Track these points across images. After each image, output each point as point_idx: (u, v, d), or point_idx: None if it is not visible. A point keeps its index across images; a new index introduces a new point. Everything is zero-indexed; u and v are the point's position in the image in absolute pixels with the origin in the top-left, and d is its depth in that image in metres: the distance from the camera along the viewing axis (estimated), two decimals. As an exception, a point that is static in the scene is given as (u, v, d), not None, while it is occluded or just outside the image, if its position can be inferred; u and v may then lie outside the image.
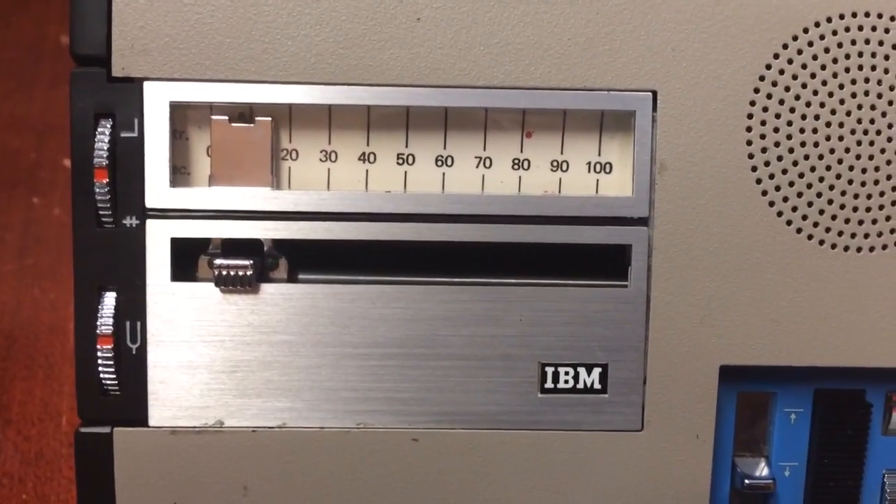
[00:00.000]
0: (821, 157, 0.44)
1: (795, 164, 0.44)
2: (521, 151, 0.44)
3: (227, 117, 0.43)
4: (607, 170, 0.44)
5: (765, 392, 0.47)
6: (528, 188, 0.44)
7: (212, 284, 0.43)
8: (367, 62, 0.43)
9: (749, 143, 0.44)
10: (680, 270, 0.44)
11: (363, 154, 0.44)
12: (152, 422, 0.44)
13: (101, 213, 0.43)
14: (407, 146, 0.44)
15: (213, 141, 0.43)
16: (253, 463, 0.44)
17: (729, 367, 0.45)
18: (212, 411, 0.44)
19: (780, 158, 0.44)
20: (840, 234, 0.44)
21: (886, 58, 0.44)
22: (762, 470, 0.47)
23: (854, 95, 0.44)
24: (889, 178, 0.44)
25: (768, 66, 0.43)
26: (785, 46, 0.43)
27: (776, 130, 0.44)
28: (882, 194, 0.44)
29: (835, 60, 0.44)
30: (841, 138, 0.44)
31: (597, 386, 0.44)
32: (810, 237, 0.44)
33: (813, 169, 0.44)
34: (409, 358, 0.44)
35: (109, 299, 0.43)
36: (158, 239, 0.43)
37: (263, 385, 0.44)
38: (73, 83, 0.42)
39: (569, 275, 0.44)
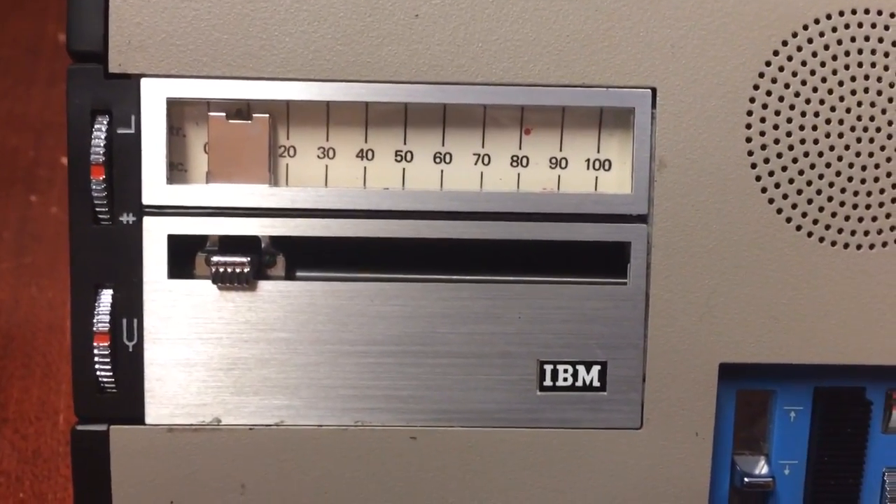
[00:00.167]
0: (820, 154, 0.44)
1: (795, 161, 0.44)
2: (520, 148, 0.44)
3: (224, 114, 0.43)
4: (606, 167, 0.44)
5: (764, 390, 0.46)
6: (526, 185, 0.44)
7: (209, 282, 0.43)
8: (365, 59, 0.42)
9: (748, 140, 0.43)
10: (679, 268, 0.44)
11: (361, 151, 0.44)
12: (149, 420, 0.44)
13: (97, 209, 0.42)
14: (405, 143, 0.44)
15: (211, 138, 0.43)
16: (250, 461, 0.44)
17: (728, 365, 0.45)
18: (209, 409, 0.44)
19: (779, 156, 0.44)
20: (840, 231, 0.44)
21: (886, 55, 0.44)
22: (762, 468, 0.47)
23: (854, 92, 0.44)
24: (889, 175, 0.44)
25: (768, 63, 0.43)
26: (784, 43, 0.43)
27: (776, 127, 0.44)
28: (882, 191, 0.44)
29: (834, 57, 0.43)
30: (840, 135, 0.44)
31: (596, 384, 0.44)
32: (810, 234, 0.44)
33: (812, 166, 0.44)
34: (407, 355, 0.44)
35: (106, 296, 0.43)
36: (155, 236, 0.43)
37: (261, 383, 0.44)
38: (69, 79, 0.42)
39: (568, 272, 0.44)
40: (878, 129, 0.44)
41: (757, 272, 0.44)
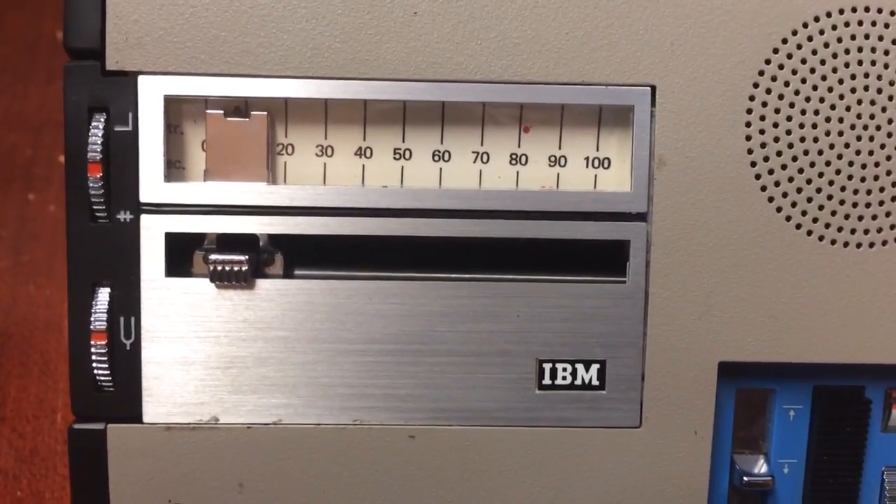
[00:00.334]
0: (820, 152, 0.44)
1: (795, 159, 0.44)
2: (519, 146, 0.44)
3: (222, 111, 0.42)
4: (605, 165, 0.44)
5: (764, 389, 0.46)
6: (525, 183, 0.44)
7: (207, 280, 0.43)
8: (363, 56, 0.42)
9: (748, 138, 0.43)
10: (678, 266, 0.44)
11: (359, 149, 0.44)
12: (147, 418, 0.43)
13: (94, 207, 0.42)
14: (404, 141, 0.44)
15: (208, 135, 0.43)
16: (248, 460, 0.44)
17: (728, 364, 0.44)
18: (207, 408, 0.44)
19: (779, 154, 0.44)
20: (839, 229, 0.44)
21: (886, 53, 0.43)
22: (761, 467, 0.47)
23: (853, 91, 0.44)
24: (889, 173, 0.44)
25: (767, 61, 0.43)
26: (784, 41, 0.43)
27: (775, 126, 0.43)
28: (882, 190, 0.44)
29: (834, 55, 0.43)
30: (840, 134, 0.44)
31: (595, 382, 0.44)
32: (809, 233, 0.44)
33: (812, 164, 0.44)
34: (405, 354, 0.44)
35: (103, 295, 0.43)
36: (153, 234, 0.42)
37: (259, 381, 0.43)
38: (66, 77, 0.42)
39: (567, 271, 0.44)
40: (878, 128, 0.44)
41: (756, 270, 0.44)
